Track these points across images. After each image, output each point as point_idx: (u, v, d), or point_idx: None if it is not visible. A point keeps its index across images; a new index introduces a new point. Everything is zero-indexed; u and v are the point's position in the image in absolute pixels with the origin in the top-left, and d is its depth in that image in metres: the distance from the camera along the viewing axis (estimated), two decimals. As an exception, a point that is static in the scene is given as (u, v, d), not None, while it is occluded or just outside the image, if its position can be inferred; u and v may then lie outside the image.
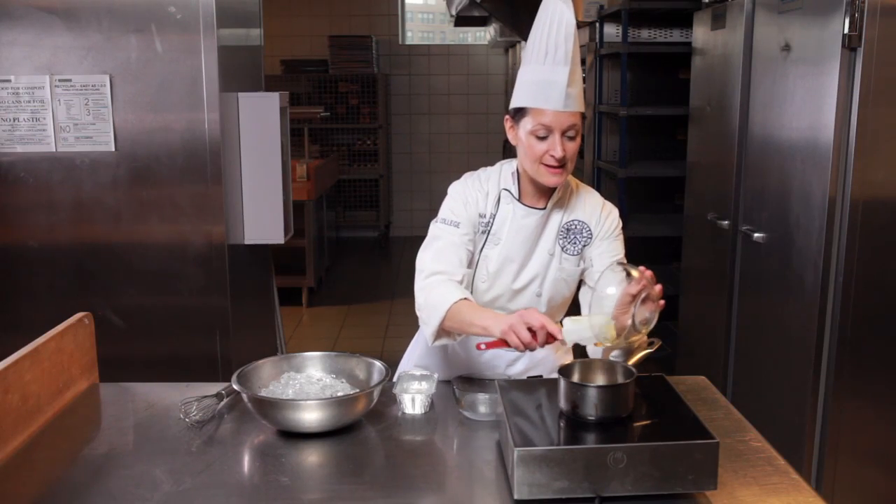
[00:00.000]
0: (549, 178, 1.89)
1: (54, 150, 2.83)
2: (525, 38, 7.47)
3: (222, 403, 1.83)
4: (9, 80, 2.79)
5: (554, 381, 1.57)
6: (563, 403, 1.54)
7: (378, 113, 8.02)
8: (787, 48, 2.80)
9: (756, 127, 3.07)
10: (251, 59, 3.32)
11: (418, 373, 1.88)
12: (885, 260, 2.52)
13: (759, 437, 1.70)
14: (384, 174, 8.28)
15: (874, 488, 2.66)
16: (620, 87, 4.59)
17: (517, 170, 2.00)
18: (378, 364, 1.83)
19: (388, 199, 8.54)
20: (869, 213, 2.48)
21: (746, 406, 2.11)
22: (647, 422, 1.52)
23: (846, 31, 2.42)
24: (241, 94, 2.97)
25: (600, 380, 1.59)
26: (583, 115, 1.89)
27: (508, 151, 8.00)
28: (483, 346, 1.76)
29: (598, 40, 4.88)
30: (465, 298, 1.85)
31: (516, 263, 1.98)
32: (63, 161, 2.84)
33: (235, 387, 1.72)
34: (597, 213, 2.01)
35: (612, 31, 4.84)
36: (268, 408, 1.67)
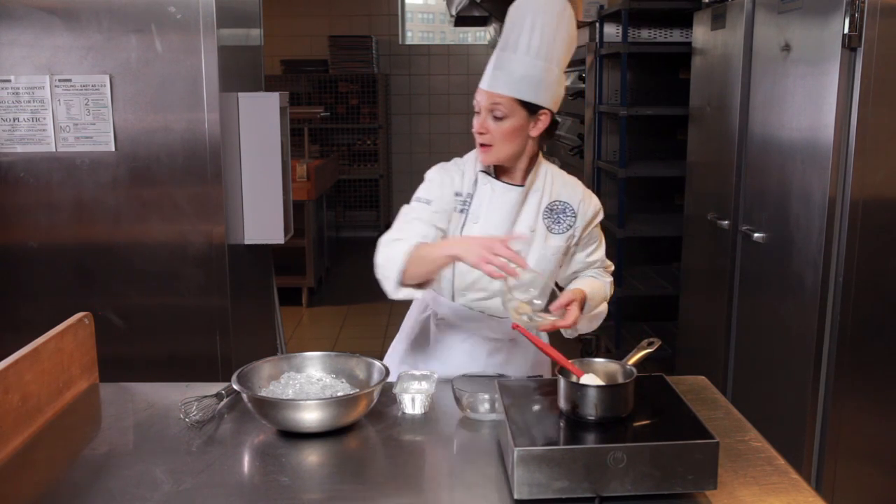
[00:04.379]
0: (481, 155, 2.01)
1: (54, 150, 2.83)
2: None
3: (222, 403, 1.83)
4: (9, 80, 2.79)
5: (554, 381, 1.57)
6: (563, 403, 1.54)
7: (378, 113, 8.03)
8: (787, 48, 2.80)
9: (756, 127, 3.07)
10: (251, 59, 3.32)
11: (418, 373, 1.88)
12: (885, 260, 2.52)
13: (759, 437, 1.70)
14: (384, 174, 8.28)
15: (874, 488, 2.66)
16: (620, 87, 4.59)
17: None
18: (378, 364, 1.83)
19: (388, 199, 8.54)
20: (869, 213, 2.48)
21: (746, 406, 2.11)
22: (647, 422, 1.52)
23: (846, 31, 2.42)
24: (241, 94, 2.97)
25: (600, 380, 1.59)
26: (527, 104, 1.93)
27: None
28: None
29: (598, 40, 4.88)
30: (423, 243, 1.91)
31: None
32: (63, 161, 2.84)
33: (235, 387, 1.72)
34: (579, 196, 2.08)
35: (612, 31, 4.84)
36: (268, 408, 1.67)
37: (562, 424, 1.52)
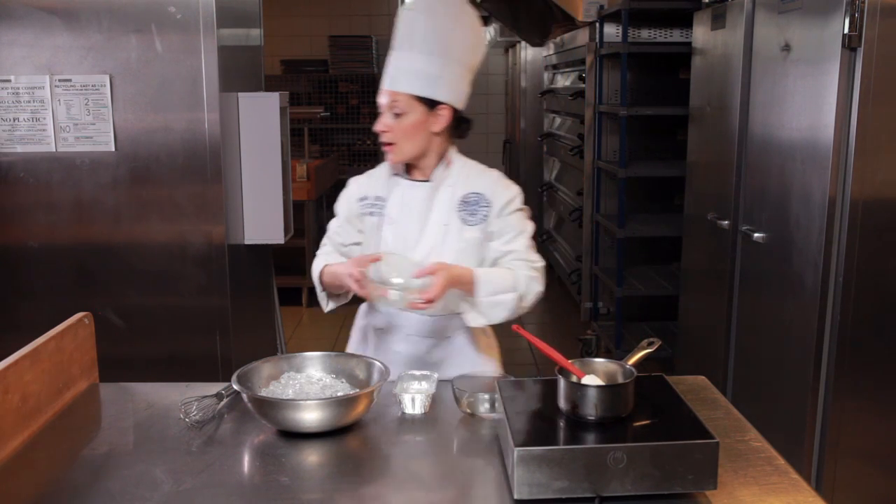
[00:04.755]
0: (387, 155, 2.08)
1: (54, 150, 2.83)
2: (525, 38, 7.46)
3: (222, 403, 1.83)
4: (9, 80, 2.80)
5: (554, 381, 1.57)
6: (562, 403, 1.54)
7: (378, 113, 8.02)
8: (787, 48, 2.80)
9: (756, 127, 3.07)
10: (251, 59, 3.32)
11: (418, 373, 1.88)
12: (885, 260, 2.52)
13: (759, 437, 1.70)
14: (384, 174, 8.26)
15: (874, 488, 2.66)
16: (620, 87, 4.59)
17: None
18: (378, 364, 1.83)
19: (388, 199, 8.52)
20: (869, 213, 2.48)
21: (746, 406, 2.11)
22: (647, 422, 1.52)
23: (846, 31, 2.42)
24: (241, 94, 2.97)
25: (600, 380, 1.59)
26: (425, 99, 1.99)
27: (509, 152, 8.00)
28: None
29: (598, 40, 4.88)
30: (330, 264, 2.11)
31: (411, 238, 2.07)
32: (63, 161, 2.84)
33: (235, 387, 1.72)
34: (493, 187, 2.09)
35: (612, 31, 4.84)
36: (268, 408, 1.67)
37: (562, 424, 1.52)
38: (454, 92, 2.04)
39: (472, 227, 2.06)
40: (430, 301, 1.87)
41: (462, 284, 1.96)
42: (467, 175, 2.10)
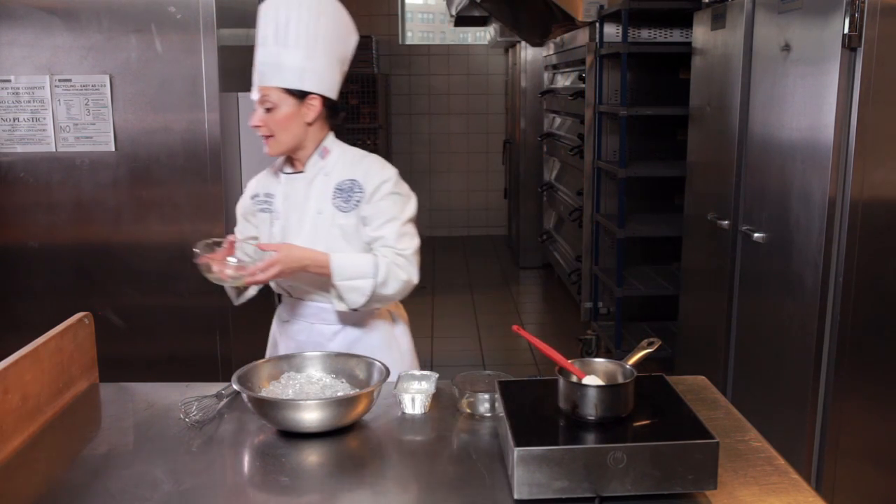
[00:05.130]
0: (265, 147, 2.13)
1: (54, 150, 2.83)
2: (525, 38, 7.45)
3: (222, 403, 1.84)
4: (9, 80, 2.79)
5: (554, 381, 1.57)
6: (562, 403, 1.54)
7: (378, 113, 8.02)
8: (787, 48, 2.80)
9: (756, 127, 3.07)
10: (251, 59, 3.31)
11: (418, 373, 1.89)
12: (885, 260, 2.52)
13: (759, 437, 1.70)
14: (384, 174, 8.27)
15: (874, 488, 2.66)
16: (620, 87, 4.59)
17: None
18: (378, 364, 1.83)
19: (388, 199, 8.53)
20: (869, 213, 2.48)
21: (746, 406, 2.11)
22: (647, 422, 1.52)
23: (846, 31, 2.42)
24: (241, 94, 2.97)
25: (600, 380, 1.59)
26: (295, 91, 2.05)
27: (509, 152, 8.01)
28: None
29: (598, 40, 4.88)
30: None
31: (293, 230, 2.13)
32: (63, 161, 2.84)
33: (235, 387, 1.72)
34: (366, 172, 2.13)
35: (612, 31, 4.84)
36: (268, 408, 1.67)
37: (562, 424, 1.52)
38: (323, 82, 2.08)
39: (347, 213, 2.10)
40: (261, 276, 1.98)
41: (316, 268, 2.03)
42: (344, 163, 2.15)
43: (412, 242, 2.13)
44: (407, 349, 2.30)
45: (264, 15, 2.08)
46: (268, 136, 2.09)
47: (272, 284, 2.22)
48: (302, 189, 2.14)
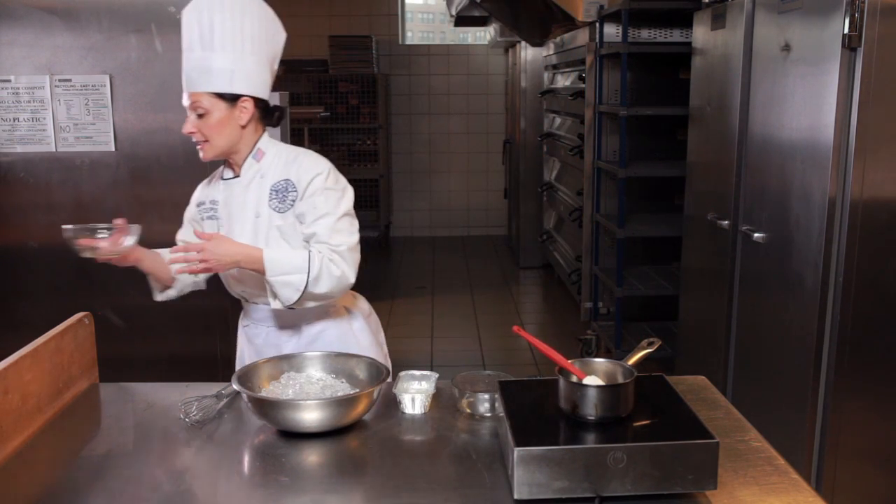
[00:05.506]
0: (200, 153, 2.11)
1: (54, 150, 2.83)
2: (525, 38, 7.45)
3: (222, 403, 1.84)
4: (9, 80, 2.80)
5: (554, 381, 1.57)
6: (562, 403, 1.54)
7: (378, 113, 8.03)
8: (787, 48, 2.80)
9: (756, 127, 3.07)
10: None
11: (418, 373, 1.89)
12: (885, 260, 2.52)
13: (759, 437, 1.70)
14: (384, 174, 8.28)
15: (874, 488, 2.66)
16: (620, 87, 4.59)
17: None
18: (378, 364, 1.83)
19: (388, 199, 8.54)
20: (869, 213, 2.48)
21: (746, 406, 2.11)
22: (647, 422, 1.52)
23: (846, 31, 2.42)
24: (241, 94, 2.96)
25: (600, 380, 1.59)
26: (224, 95, 2.04)
27: (509, 152, 8.01)
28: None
29: (598, 40, 4.88)
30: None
31: (235, 234, 2.11)
32: (63, 161, 2.84)
33: (235, 387, 1.72)
34: (299, 170, 2.10)
35: (612, 31, 4.84)
36: (268, 408, 1.67)
37: (562, 424, 1.52)
38: (253, 83, 2.07)
39: (283, 213, 2.10)
40: (194, 266, 1.98)
41: (248, 263, 2.02)
42: (278, 163, 2.13)
43: (348, 238, 2.09)
44: (367, 344, 2.26)
45: (187, 19, 2.05)
46: (202, 142, 2.08)
47: (235, 291, 2.23)
48: (240, 194, 2.14)
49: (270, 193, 2.10)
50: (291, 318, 2.20)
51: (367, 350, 2.22)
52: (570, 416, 1.52)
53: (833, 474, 2.63)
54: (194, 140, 2.09)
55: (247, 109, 2.07)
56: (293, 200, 2.09)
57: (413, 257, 7.97)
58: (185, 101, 2.06)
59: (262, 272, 2.02)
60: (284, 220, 2.09)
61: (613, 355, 4.39)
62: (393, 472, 1.57)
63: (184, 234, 2.27)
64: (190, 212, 2.27)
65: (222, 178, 2.19)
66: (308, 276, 2.01)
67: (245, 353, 2.32)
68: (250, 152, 2.13)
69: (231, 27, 2.02)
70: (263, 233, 2.10)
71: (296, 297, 2.04)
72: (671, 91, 4.63)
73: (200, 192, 2.25)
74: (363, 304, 2.36)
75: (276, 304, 2.08)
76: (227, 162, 2.17)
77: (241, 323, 2.34)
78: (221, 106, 2.04)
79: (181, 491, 1.49)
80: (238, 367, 2.33)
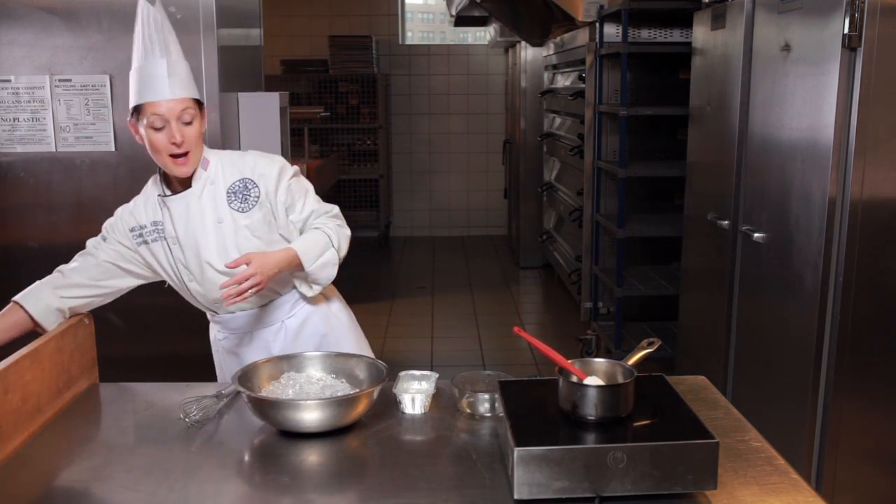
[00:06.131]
0: (177, 170, 2.00)
1: (54, 150, 2.83)
2: (525, 38, 7.46)
3: (222, 403, 1.84)
4: (9, 80, 2.80)
5: (554, 382, 1.57)
6: (563, 403, 1.54)
7: (378, 113, 8.02)
8: (787, 48, 2.80)
9: (756, 127, 3.07)
10: (251, 59, 3.32)
11: (418, 373, 1.89)
12: (885, 260, 2.52)
13: (759, 437, 1.70)
14: (384, 174, 8.28)
15: (874, 488, 2.66)
16: (620, 87, 4.59)
17: (160, 170, 2.08)
18: (378, 364, 1.83)
19: (388, 199, 8.54)
20: (869, 213, 2.48)
21: (746, 406, 2.11)
22: (647, 422, 1.52)
23: (846, 31, 2.42)
24: (241, 94, 2.97)
25: (600, 380, 1.59)
26: (198, 101, 2.01)
27: (509, 152, 8.01)
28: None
29: (598, 40, 4.88)
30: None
31: (200, 245, 2.06)
32: (63, 161, 2.84)
33: (235, 387, 1.72)
34: (255, 168, 2.09)
35: (612, 31, 4.84)
36: (268, 408, 1.67)
37: (562, 424, 1.52)
38: (198, 89, 2.06)
39: (248, 212, 2.07)
40: (245, 287, 1.90)
41: (289, 264, 2.01)
42: (224, 166, 2.09)
43: (328, 204, 2.19)
44: (346, 322, 2.31)
45: (139, 29, 1.97)
46: (183, 154, 1.97)
47: (203, 305, 2.20)
48: (194, 205, 2.05)
49: (228, 196, 2.06)
50: (271, 315, 2.20)
51: (347, 327, 2.28)
52: (570, 416, 1.52)
53: (833, 474, 2.63)
54: (177, 152, 1.96)
55: (205, 117, 2.06)
56: (257, 198, 2.07)
57: (413, 257, 7.97)
58: (167, 111, 1.93)
59: (300, 267, 2.03)
60: (250, 218, 2.07)
61: (613, 355, 4.39)
62: (393, 472, 1.57)
63: (105, 270, 2.09)
64: (115, 249, 2.08)
65: (162, 197, 2.07)
66: (336, 247, 2.07)
67: (226, 368, 2.28)
68: (199, 162, 2.06)
69: (171, 33, 2.00)
70: (231, 235, 2.05)
71: (335, 272, 2.09)
72: (671, 91, 4.63)
73: (131, 219, 2.09)
74: (332, 286, 2.36)
75: (310, 291, 2.12)
76: (166, 179, 2.07)
77: (217, 336, 2.29)
78: (197, 113, 2.01)
79: (181, 491, 1.49)
80: (220, 380, 2.32)
